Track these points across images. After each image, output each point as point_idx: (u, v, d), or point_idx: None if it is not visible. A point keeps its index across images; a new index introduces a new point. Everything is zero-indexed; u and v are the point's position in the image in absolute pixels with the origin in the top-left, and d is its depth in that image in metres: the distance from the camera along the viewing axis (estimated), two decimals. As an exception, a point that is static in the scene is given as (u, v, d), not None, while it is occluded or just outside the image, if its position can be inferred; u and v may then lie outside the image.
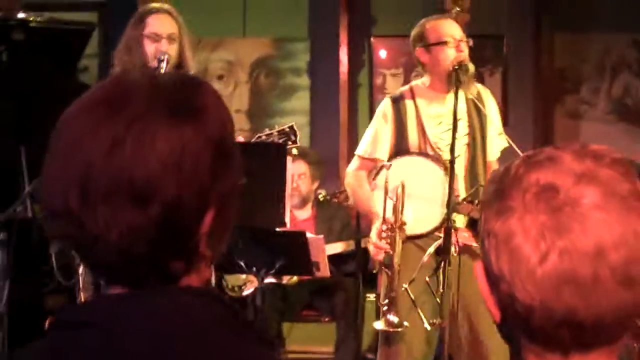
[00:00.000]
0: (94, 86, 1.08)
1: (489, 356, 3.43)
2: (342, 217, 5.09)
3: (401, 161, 3.59)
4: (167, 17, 3.58)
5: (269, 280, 4.35)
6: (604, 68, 6.21)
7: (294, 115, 6.29)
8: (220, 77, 6.39)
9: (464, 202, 3.38)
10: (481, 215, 1.00)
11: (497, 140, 3.74)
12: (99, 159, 0.97)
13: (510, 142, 3.60)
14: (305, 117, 6.33)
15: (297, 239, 4.02)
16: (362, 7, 6.33)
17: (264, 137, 3.75)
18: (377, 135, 3.75)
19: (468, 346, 3.55)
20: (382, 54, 6.32)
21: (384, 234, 3.49)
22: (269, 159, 3.51)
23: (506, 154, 3.73)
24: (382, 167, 3.60)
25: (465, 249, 3.44)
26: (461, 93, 3.62)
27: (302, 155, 4.79)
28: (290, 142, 3.68)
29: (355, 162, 3.82)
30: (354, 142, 6.26)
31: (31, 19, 4.43)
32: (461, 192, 3.57)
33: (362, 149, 3.80)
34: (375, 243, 3.56)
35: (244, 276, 4.56)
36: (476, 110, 3.64)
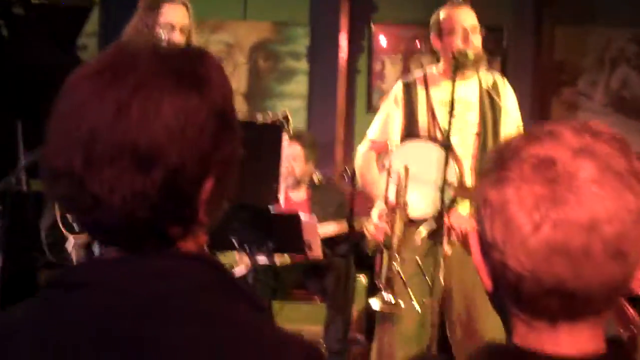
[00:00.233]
0: (97, 55, 1.08)
1: (484, 335, 3.45)
2: (336, 199, 5.10)
3: (409, 145, 3.62)
4: (182, 8, 3.58)
5: (262, 259, 4.35)
6: (603, 61, 6.23)
7: (292, 98, 6.30)
8: (219, 59, 6.37)
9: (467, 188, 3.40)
10: (479, 184, 1.01)
11: (512, 132, 3.74)
12: (104, 123, 0.98)
13: None
14: (302, 101, 6.33)
15: (291, 219, 4.04)
16: (363, -7, 6.33)
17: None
18: (387, 119, 3.79)
19: (463, 326, 3.57)
20: (382, 40, 6.32)
21: (384, 215, 3.51)
22: (264, 137, 3.51)
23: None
24: (390, 150, 3.62)
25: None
26: (474, 81, 3.67)
27: (297, 137, 4.80)
28: (283, 130, 3.69)
29: (365, 144, 3.85)
30: (350, 127, 6.27)
31: (31, -6, 4.41)
32: (467, 180, 3.58)
33: (372, 131, 3.84)
34: (375, 224, 3.60)
35: (236, 255, 4.57)
36: (490, 100, 3.65)
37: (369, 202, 3.92)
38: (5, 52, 4.28)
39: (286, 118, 3.66)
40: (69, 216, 3.73)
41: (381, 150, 3.74)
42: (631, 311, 4.52)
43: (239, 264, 4.68)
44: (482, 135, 3.63)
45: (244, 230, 3.83)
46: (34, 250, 4.27)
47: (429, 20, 3.80)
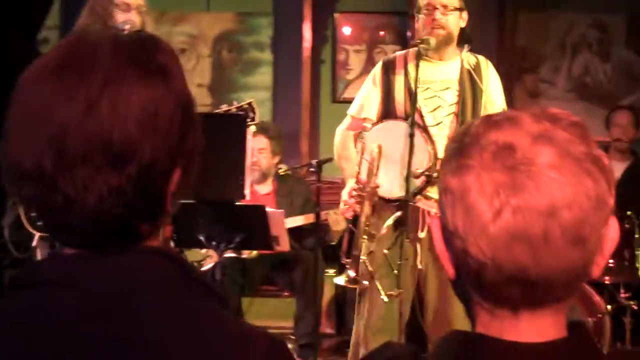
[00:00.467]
0: (52, 47, 1.06)
1: (455, 321, 3.46)
2: (302, 191, 5.10)
3: (385, 125, 3.62)
4: None
5: (229, 254, 4.34)
6: (564, 47, 6.28)
7: (256, 90, 6.28)
8: (182, 51, 6.34)
9: (422, 175, 3.39)
10: (440, 172, 1.01)
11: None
12: (74, 120, 0.96)
13: None
14: (267, 92, 6.31)
15: (257, 213, 4.02)
16: (326, -17, 6.32)
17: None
18: (365, 97, 3.80)
19: (435, 311, 3.58)
20: (346, 30, 6.31)
21: (354, 193, 3.52)
22: (228, 130, 3.49)
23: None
24: (366, 129, 3.63)
25: None
26: (456, 61, 3.67)
27: (263, 130, 4.78)
28: (248, 120, 3.67)
29: (345, 122, 3.86)
30: (315, 117, 6.27)
31: (-12, -14, 4.35)
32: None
33: (352, 108, 3.85)
34: (345, 200, 3.61)
35: (203, 251, 4.55)
36: (470, 81, 3.65)
37: (336, 195, 3.92)
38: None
39: (251, 107, 3.64)
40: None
41: (360, 128, 3.73)
42: (597, 298, 4.57)
43: (207, 261, 4.66)
44: (460, 115, 3.63)
45: (210, 226, 3.81)
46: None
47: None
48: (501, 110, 3.37)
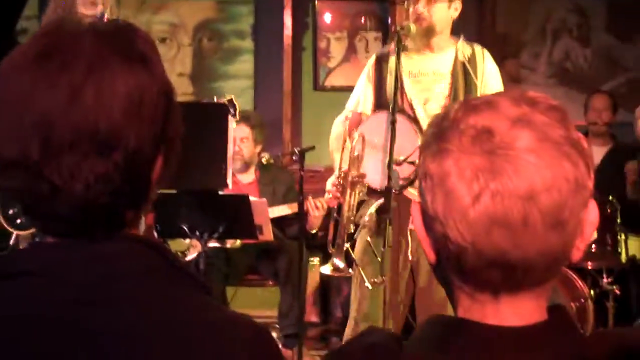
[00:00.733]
0: (29, 37, 1.05)
1: (445, 307, 3.47)
2: (285, 180, 5.09)
3: (376, 116, 3.62)
4: None
5: (213, 244, 4.33)
6: (544, 32, 6.29)
7: (238, 78, 6.26)
8: (163, 40, 6.31)
9: (404, 162, 3.40)
10: (420, 157, 1.01)
11: None
12: (59, 108, 0.95)
13: None
14: (249, 80, 6.30)
15: (240, 202, 4.02)
16: (307, -31, 6.30)
17: None
18: (360, 91, 3.83)
19: (426, 297, 3.59)
20: (327, 17, 6.30)
21: (337, 182, 3.55)
22: (210, 120, 3.48)
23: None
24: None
25: None
26: (450, 52, 3.65)
27: (245, 118, 4.76)
28: (230, 115, 3.66)
29: (343, 114, 3.85)
30: (298, 105, 6.26)
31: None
32: None
33: (350, 102, 3.87)
34: (328, 190, 3.63)
35: (187, 241, 4.54)
36: (463, 74, 3.64)
37: (318, 183, 3.93)
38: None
39: (232, 103, 3.63)
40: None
41: (357, 121, 3.73)
42: (580, 283, 4.60)
43: (191, 250, 4.65)
44: None
45: (193, 216, 3.80)
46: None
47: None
48: None
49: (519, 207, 0.91)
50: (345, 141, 3.55)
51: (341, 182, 3.51)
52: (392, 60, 3.65)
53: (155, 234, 3.87)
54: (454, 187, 0.93)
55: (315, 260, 5.38)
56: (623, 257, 4.67)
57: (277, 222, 4.69)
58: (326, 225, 4.35)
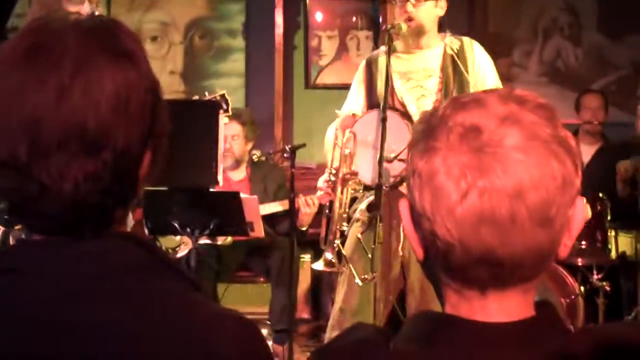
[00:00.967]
0: (13, 36, 1.05)
1: (435, 304, 3.48)
2: (276, 177, 5.09)
3: (367, 116, 3.63)
4: None
5: (204, 241, 4.33)
6: (536, 31, 6.31)
7: (229, 76, 6.26)
8: (154, 39, 6.30)
9: (395, 160, 3.40)
10: (408, 154, 1.01)
11: None
12: (48, 108, 0.95)
13: None
14: (240, 78, 6.29)
15: (231, 199, 4.02)
16: (298, -32, 6.30)
17: None
18: (353, 95, 3.86)
19: (416, 295, 3.60)
20: (318, 16, 6.30)
21: (328, 178, 3.56)
22: (201, 117, 3.48)
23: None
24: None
25: None
26: (438, 48, 3.66)
27: (236, 116, 4.76)
28: (222, 111, 3.67)
29: (339, 118, 3.86)
30: (289, 103, 6.26)
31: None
32: None
33: (344, 107, 3.88)
34: (320, 187, 3.66)
35: (177, 238, 4.54)
36: (453, 68, 3.64)
37: (310, 180, 3.94)
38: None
39: (224, 98, 3.63)
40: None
41: (348, 124, 3.74)
42: (570, 279, 4.61)
43: (182, 247, 4.65)
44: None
45: (184, 213, 3.80)
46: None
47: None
48: (494, 85, 3.34)
49: (507, 205, 0.92)
50: (336, 139, 3.56)
51: (332, 178, 3.51)
52: (381, 60, 3.67)
53: (146, 231, 3.87)
54: (441, 184, 0.94)
55: (307, 257, 5.39)
56: (613, 254, 4.69)
57: (268, 219, 4.70)
58: (317, 222, 4.36)
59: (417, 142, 0.99)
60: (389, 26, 3.59)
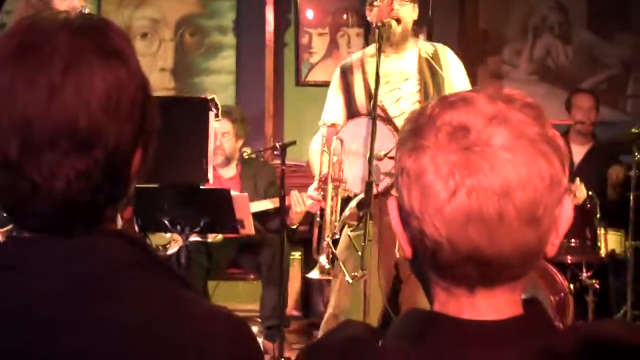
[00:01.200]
0: (3, 33, 1.04)
1: (425, 298, 3.49)
2: (267, 174, 5.09)
3: (351, 124, 3.66)
4: None
5: (194, 238, 4.34)
6: (526, 30, 6.32)
7: (220, 74, 6.25)
8: (144, 35, 6.29)
9: (385, 157, 3.41)
10: (396, 153, 1.02)
11: None
12: (38, 107, 0.95)
13: None
14: (230, 76, 6.29)
15: (222, 196, 4.02)
16: (289, -35, 6.29)
17: None
18: (331, 104, 3.88)
19: (409, 291, 3.61)
20: (309, 13, 6.30)
21: (318, 186, 3.57)
22: (191, 114, 3.48)
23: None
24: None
25: None
26: (412, 51, 3.70)
27: (226, 113, 4.75)
28: (212, 113, 3.66)
29: (321, 130, 3.87)
30: (280, 101, 6.26)
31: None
32: None
33: (324, 115, 3.91)
34: (310, 195, 3.67)
35: (168, 235, 4.53)
36: (429, 69, 3.67)
37: (300, 178, 3.93)
38: None
39: (214, 102, 3.62)
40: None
41: (334, 133, 3.75)
42: (560, 277, 4.63)
43: (172, 245, 4.64)
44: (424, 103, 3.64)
45: (174, 210, 3.80)
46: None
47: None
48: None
49: (495, 204, 0.92)
50: (323, 150, 3.56)
51: (322, 186, 3.52)
52: (355, 66, 3.77)
53: (137, 228, 3.86)
54: (430, 183, 0.94)
55: (297, 254, 5.39)
56: (603, 252, 4.70)
57: (259, 216, 4.70)
58: (307, 221, 4.36)
59: (405, 140, 0.99)
60: (379, 23, 3.59)
